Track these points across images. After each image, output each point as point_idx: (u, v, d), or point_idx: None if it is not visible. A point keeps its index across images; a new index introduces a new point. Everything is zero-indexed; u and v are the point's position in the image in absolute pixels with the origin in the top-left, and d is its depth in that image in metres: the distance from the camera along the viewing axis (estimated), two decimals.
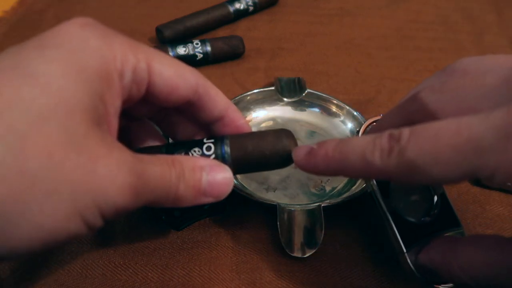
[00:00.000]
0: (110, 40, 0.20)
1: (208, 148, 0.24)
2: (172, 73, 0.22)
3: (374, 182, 0.25)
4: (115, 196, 0.18)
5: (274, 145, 0.24)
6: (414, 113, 0.22)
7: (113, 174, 0.18)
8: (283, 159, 0.24)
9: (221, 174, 0.23)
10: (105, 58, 0.19)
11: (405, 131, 0.19)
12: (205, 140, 0.24)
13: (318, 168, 0.22)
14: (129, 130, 0.26)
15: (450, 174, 0.17)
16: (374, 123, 0.28)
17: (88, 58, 0.19)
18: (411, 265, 0.24)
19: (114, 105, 0.20)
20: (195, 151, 0.24)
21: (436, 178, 0.18)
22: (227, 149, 0.24)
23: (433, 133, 0.18)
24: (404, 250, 0.24)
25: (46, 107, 0.17)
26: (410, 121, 0.20)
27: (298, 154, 0.23)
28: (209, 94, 0.24)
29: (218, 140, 0.24)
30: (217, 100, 0.24)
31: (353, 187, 0.31)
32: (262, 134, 0.25)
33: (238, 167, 0.24)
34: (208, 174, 0.22)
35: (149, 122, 0.27)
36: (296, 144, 0.24)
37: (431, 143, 0.17)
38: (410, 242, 0.24)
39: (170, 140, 0.28)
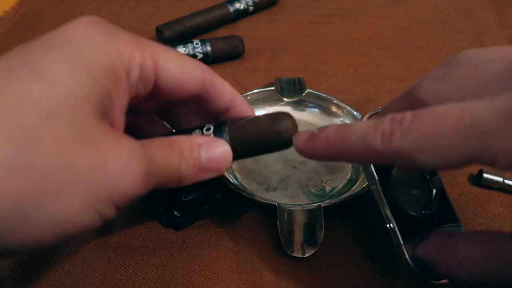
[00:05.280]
0: (116, 38, 0.20)
1: (208, 130, 0.24)
2: (178, 69, 0.22)
3: (374, 172, 0.25)
4: (127, 185, 0.18)
5: (272, 127, 0.24)
6: (417, 102, 0.22)
7: (124, 163, 0.18)
8: (282, 141, 0.24)
9: (218, 149, 0.23)
10: (112, 56, 0.19)
11: (408, 115, 0.18)
12: (204, 130, 0.25)
13: (318, 152, 0.22)
14: (135, 126, 0.26)
15: (452, 158, 0.17)
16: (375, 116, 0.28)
17: (95, 56, 0.19)
18: (408, 258, 0.24)
19: (121, 102, 0.20)
20: (195, 133, 0.24)
21: (437, 162, 0.17)
22: (225, 129, 0.24)
23: (436, 116, 0.17)
24: (402, 242, 0.24)
25: (54, 103, 0.17)
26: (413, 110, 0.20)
27: (298, 139, 0.23)
28: (215, 86, 0.24)
29: (217, 125, 0.25)
30: (223, 92, 0.25)
31: (353, 187, 0.31)
32: (260, 117, 0.25)
33: (237, 150, 0.24)
34: (206, 151, 0.22)
35: (155, 116, 0.27)
36: (295, 125, 0.24)
37: (434, 126, 0.17)
38: (408, 235, 0.24)
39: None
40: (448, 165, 0.18)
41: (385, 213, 0.25)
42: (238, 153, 0.24)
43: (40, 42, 0.19)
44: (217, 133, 0.24)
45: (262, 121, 0.24)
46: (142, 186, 0.19)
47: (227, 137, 0.24)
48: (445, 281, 0.23)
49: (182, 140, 0.22)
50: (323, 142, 0.21)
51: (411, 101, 0.22)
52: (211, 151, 0.23)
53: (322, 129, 0.22)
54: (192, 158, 0.22)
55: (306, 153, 0.23)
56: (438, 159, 0.17)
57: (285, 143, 0.24)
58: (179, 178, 0.21)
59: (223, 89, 0.25)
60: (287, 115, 0.24)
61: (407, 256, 0.24)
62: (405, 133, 0.18)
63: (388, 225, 0.25)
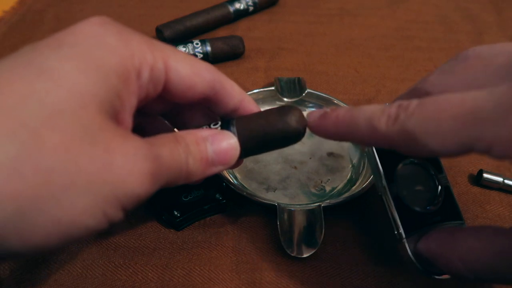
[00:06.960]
0: (127, 38, 0.20)
1: (215, 125, 0.24)
2: (188, 71, 0.22)
3: (380, 166, 0.25)
4: (134, 185, 0.18)
5: (280, 117, 0.23)
6: (425, 95, 0.22)
7: (130, 163, 0.18)
8: (290, 135, 0.24)
9: (225, 141, 0.22)
10: (123, 56, 0.19)
11: (414, 101, 0.19)
12: (211, 126, 0.24)
13: (328, 130, 0.23)
14: (141, 128, 0.26)
15: (448, 144, 0.18)
16: None
17: (105, 56, 0.18)
18: (409, 252, 0.24)
19: (130, 103, 0.20)
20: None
21: (434, 147, 0.18)
22: (232, 122, 0.24)
23: (438, 103, 0.18)
24: (404, 236, 0.24)
25: (60, 101, 0.16)
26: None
27: (311, 116, 0.23)
28: (224, 88, 0.24)
29: (224, 122, 0.24)
30: (232, 93, 0.24)
31: (353, 187, 0.31)
32: (268, 110, 0.24)
33: (245, 144, 0.24)
34: (212, 144, 0.22)
35: (161, 118, 0.27)
36: (303, 116, 0.24)
37: (435, 112, 0.18)
38: (411, 230, 0.24)
39: None
40: (445, 150, 0.18)
41: (389, 207, 0.25)
42: (247, 147, 0.24)
43: (48, 41, 0.18)
44: (224, 127, 0.24)
45: (270, 113, 0.24)
46: (150, 186, 0.18)
47: (234, 129, 0.23)
48: (446, 276, 0.23)
49: (187, 135, 0.21)
50: (333, 120, 0.22)
51: (418, 94, 0.23)
52: (217, 144, 0.22)
53: (334, 108, 0.23)
54: (198, 152, 0.21)
55: (317, 130, 0.23)
56: (435, 144, 0.18)
57: (293, 134, 0.23)
58: (187, 173, 0.21)
59: (231, 90, 0.24)
60: (295, 107, 0.24)
61: (409, 250, 0.24)
62: (409, 116, 0.19)
63: (391, 219, 0.25)
